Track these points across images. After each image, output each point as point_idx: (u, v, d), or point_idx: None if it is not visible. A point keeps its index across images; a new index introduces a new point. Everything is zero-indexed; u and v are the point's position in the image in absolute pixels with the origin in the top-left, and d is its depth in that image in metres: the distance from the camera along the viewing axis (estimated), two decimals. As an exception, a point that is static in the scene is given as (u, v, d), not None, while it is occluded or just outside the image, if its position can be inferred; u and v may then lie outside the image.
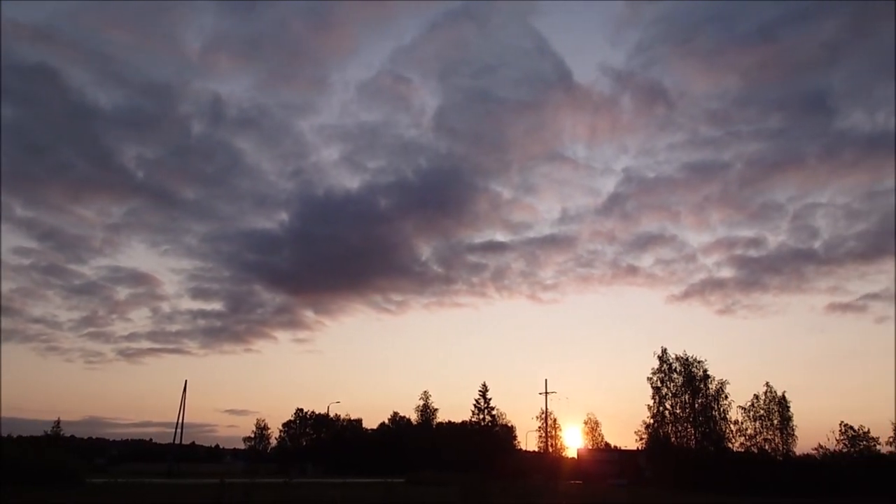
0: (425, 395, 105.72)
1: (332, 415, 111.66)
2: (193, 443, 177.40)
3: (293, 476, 46.08)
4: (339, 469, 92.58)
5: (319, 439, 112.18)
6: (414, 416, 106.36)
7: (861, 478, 55.53)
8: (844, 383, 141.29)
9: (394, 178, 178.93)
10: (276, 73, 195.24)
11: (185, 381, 75.39)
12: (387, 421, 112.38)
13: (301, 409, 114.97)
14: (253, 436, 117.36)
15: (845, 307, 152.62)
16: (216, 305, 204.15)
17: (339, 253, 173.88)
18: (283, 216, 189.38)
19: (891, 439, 60.28)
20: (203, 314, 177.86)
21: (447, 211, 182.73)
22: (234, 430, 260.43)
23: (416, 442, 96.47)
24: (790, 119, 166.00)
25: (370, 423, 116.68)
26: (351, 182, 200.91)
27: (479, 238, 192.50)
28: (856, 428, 61.89)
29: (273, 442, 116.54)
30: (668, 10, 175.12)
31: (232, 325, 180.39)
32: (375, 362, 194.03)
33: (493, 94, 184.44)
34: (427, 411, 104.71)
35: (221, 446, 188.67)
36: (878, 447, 60.76)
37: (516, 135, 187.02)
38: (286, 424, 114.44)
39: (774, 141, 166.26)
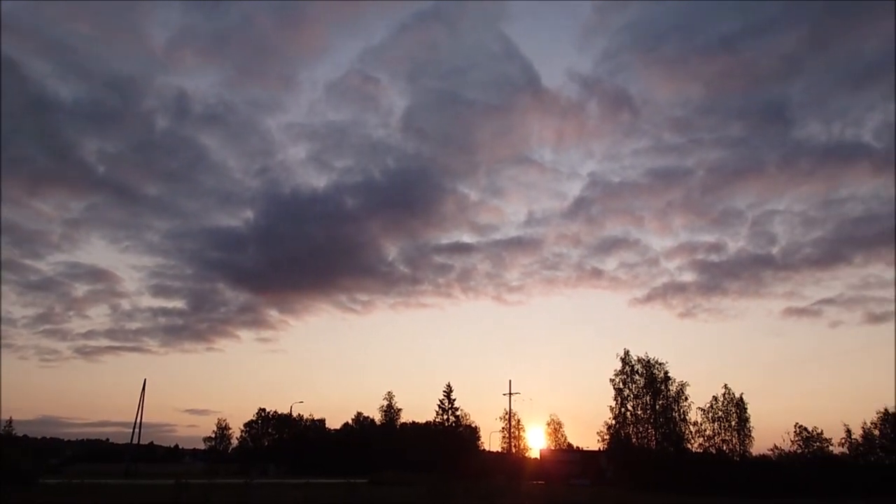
0: (389, 396, 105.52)
1: (294, 415, 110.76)
2: (152, 443, 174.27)
3: (254, 476, 45.51)
4: (301, 470, 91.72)
5: (282, 439, 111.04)
6: (378, 417, 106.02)
7: (814, 478, 56.97)
8: (799, 386, 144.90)
9: (361, 178, 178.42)
10: (243, 70, 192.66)
11: (145, 380, 74.10)
12: (350, 421, 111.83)
13: (263, 409, 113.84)
14: (214, 436, 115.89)
15: (801, 312, 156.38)
16: (178, 303, 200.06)
17: (304, 252, 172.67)
18: (249, 214, 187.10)
19: (843, 441, 62.20)
20: (164, 312, 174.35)
21: (414, 211, 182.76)
22: (194, 430, 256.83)
23: (380, 442, 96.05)
24: (750, 128, 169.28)
25: (334, 423, 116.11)
26: (318, 181, 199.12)
27: (446, 239, 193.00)
28: (810, 429, 63.63)
29: (234, 442, 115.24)
30: (633, 18, 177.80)
31: (194, 324, 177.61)
32: (340, 362, 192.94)
33: (462, 96, 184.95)
34: (391, 412, 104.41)
35: (181, 446, 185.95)
36: (830, 448, 62.59)
37: (484, 137, 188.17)
38: (248, 424, 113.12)
39: (735, 149, 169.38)
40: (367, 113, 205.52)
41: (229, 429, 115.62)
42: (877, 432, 61.04)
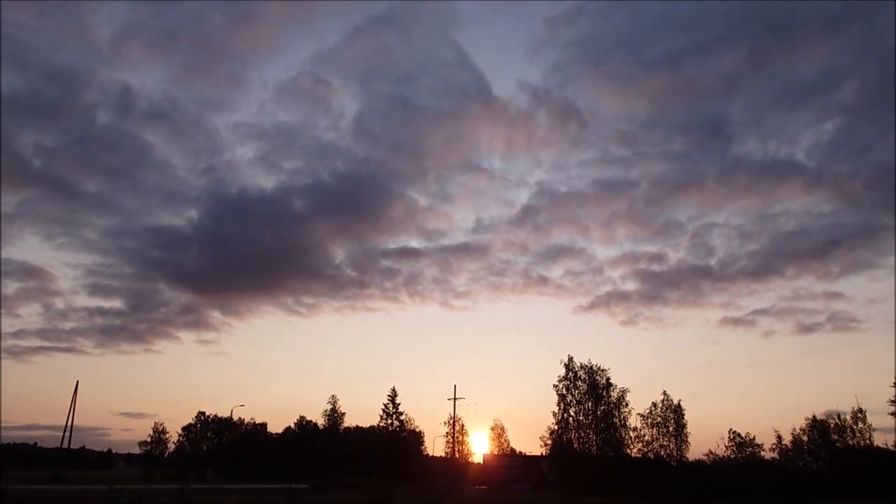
0: (333, 400, 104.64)
1: (235, 419, 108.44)
2: (83, 447, 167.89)
3: (191, 482, 44.33)
4: (241, 475, 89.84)
5: (221, 444, 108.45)
6: (321, 421, 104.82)
7: (747, 483, 58.84)
8: (734, 393, 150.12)
9: (310, 180, 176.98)
10: (191, 67, 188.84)
11: (77, 381, 71.49)
12: (293, 425, 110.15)
13: (203, 413, 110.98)
14: (150, 440, 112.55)
15: (736, 321, 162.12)
16: (115, 303, 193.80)
17: (250, 253, 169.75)
18: (193, 213, 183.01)
19: (774, 446, 64.55)
20: (101, 312, 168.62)
21: (363, 215, 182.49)
22: (129, 434, 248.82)
23: (323, 447, 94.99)
24: (692, 143, 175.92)
25: (276, 427, 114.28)
26: (266, 182, 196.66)
27: (394, 244, 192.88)
28: (743, 435, 65.81)
29: (171, 446, 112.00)
30: (582, 33, 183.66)
31: (132, 324, 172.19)
32: (284, 365, 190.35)
33: (414, 102, 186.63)
34: (335, 416, 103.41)
35: (115, 451, 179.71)
36: (762, 454, 64.87)
37: (435, 143, 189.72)
38: (186, 428, 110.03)
39: (677, 163, 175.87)
40: (318, 115, 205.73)
41: (166, 433, 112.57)
42: (805, 438, 63.51)
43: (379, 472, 72.71)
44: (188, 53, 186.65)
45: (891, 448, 59.21)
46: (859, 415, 60.74)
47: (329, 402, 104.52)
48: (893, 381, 57.11)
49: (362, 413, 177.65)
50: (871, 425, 60.29)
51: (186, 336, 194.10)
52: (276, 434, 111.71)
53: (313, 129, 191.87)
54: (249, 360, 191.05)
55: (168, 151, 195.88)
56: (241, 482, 69.09)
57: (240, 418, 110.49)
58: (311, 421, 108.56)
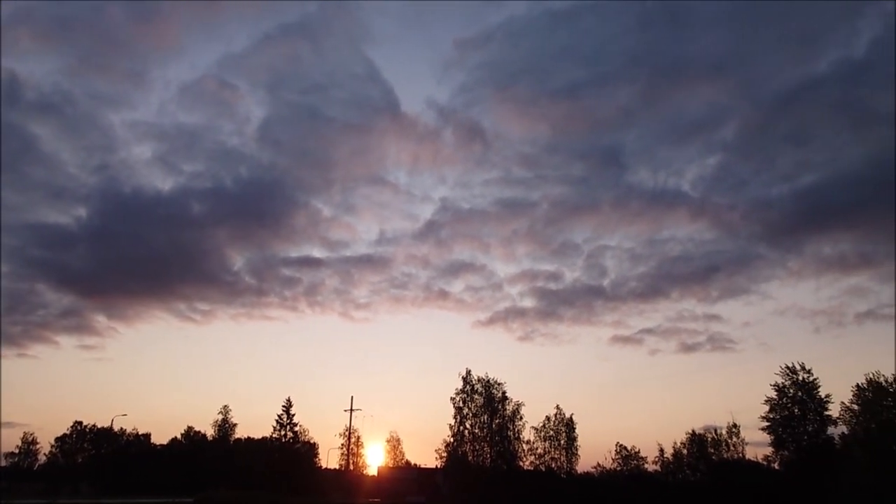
0: (225, 410, 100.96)
1: (117, 429, 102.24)
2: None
3: (62, 496, 41.35)
4: (121, 488, 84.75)
5: (99, 456, 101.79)
6: (211, 432, 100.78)
7: (631, 493, 61.40)
8: (622, 407, 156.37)
9: (211, 185, 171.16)
10: (88, 61, 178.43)
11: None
12: (180, 436, 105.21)
13: (80, 423, 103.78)
14: (17, 451, 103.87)
15: (626, 340, 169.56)
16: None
17: (141, 256, 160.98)
18: (81, 212, 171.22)
19: (656, 459, 67.81)
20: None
21: (264, 222, 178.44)
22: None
23: (212, 458, 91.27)
24: (590, 169, 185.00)
25: (161, 438, 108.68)
26: (163, 183, 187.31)
27: (296, 252, 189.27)
28: (629, 448, 68.82)
29: (42, 458, 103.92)
30: (490, 58, 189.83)
31: (5, 327, 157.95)
32: (174, 374, 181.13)
33: (322, 112, 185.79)
34: (226, 426, 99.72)
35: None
36: (646, 466, 68.03)
37: (341, 155, 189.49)
38: (60, 439, 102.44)
39: (576, 187, 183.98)
40: (223, 119, 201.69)
41: (37, 443, 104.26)
42: (685, 451, 67.16)
43: (271, 485, 70.55)
44: (84, 46, 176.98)
45: (760, 461, 63.60)
46: (733, 429, 65.00)
47: (220, 412, 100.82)
48: (765, 398, 61.52)
49: (256, 424, 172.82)
50: (744, 439, 64.73)
51: (66, 341, 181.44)
52: (161, 445, 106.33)
53: (217, 132, 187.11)
54: (136, 367, 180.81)
55: (57, 146, 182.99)
56: (120, 496, 65.11)
57: (121, 429, 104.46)
58: (199, 432, 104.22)
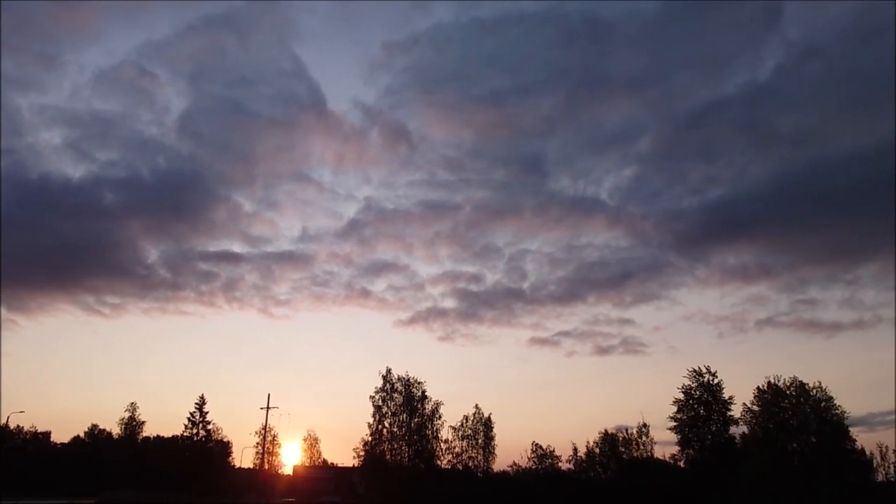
0: (132, 407, 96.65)
1: (12, 426, 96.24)
2: None
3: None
4: (15, 489, 79.73)
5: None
6: (117, 430, 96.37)
7: (546, 491, 62.78)
8: (539, 408, 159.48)
9: (125, 174, 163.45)
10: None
11: None
12: (83, 434, 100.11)
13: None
14: None
15: (543, 342, 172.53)
16: None
17: (46, 245, 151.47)
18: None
19: (570, 458, 69.62)
20: None
21: (182, 215, 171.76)
22: None
23: (117, 458, 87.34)
24: (512, 175, 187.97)
25: (63, 436, 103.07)
26: (74, 171, 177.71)
27: (214, 247, 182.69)
28: (544, 447, 70.31)
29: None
30: (417, 62, 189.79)
31: None
32: (79, 369, 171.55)
33: (246, 106, 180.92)
34: (133, 424, 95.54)
35: None
36: (560, 465, 69.68)
37: (265, 150, 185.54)
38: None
39: (498, 192, 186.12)
40: (141, 108, 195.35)
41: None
42: (597, 450, 69.16)
43: (182, 485, 68.19)
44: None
45: (667, 460, 66.40)
46: (643, 429, 67.53)
47: (127, 409, 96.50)
48: (673, 399, 64.31)
49: (168, 422, 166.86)
50: (652, 439, 67.37)
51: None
52: (62, 444, 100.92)
53: (134, 121, 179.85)
54: (37, 362, 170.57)
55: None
56: (13, 498, 61.29)
57: (18, 426, 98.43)
58: (104, 430, 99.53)
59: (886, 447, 78.40)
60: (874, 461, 67.75)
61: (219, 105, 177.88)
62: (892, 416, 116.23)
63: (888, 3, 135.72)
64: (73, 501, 44.14)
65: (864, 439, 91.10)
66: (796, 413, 59.46)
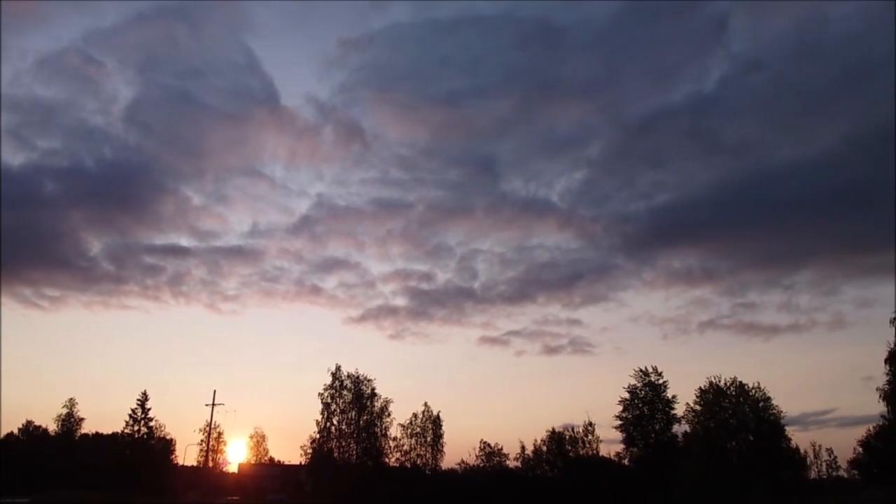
0: (70, 403, 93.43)
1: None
2: None
3: None
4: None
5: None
6: (53, 427, 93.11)
7: (494, 490, 63.27)
8: (488, 406, 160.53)
9: (68, 163, 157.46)
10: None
11: None
12: (16, 431, 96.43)
13: None
14: None
15: (493, 341, 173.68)
16: None
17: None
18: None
19: (518, 456, 70.35)
20: None
21: (127, 207, 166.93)
22: None
23: (54, 456, 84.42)
24: (465, 175, 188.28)
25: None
26: (13, 158, 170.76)
27: (160, 240, 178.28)
28: (492, 445, 70.88)
29: None
30: (372, 60, 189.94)
31: None
32: (13, 364, 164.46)
33: (197, 98, 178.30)
34: (70, 421, 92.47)
35: None
36: (507, 462, 70.35)
37: (216, 143, 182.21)
38: None
39: (451, 191, 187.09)
40: (86, 96, 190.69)
41: None
42: (545, 449, 70.06)
43: (121, 484, 66.33)
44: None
45: (612, 458, 67.76)
46: (589, 428, 68.63)
47: (65, 405, 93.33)
48: (619, 399, 65.66)
49: (109, 419, 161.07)
50: (598, 437, 68.54)
51: None
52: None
53: (78, 110, 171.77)
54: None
55: None
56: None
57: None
58: (39, 426, 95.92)
59: (819, 446, 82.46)
60: (808, 459, 70.68)
61: (168, 96, 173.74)
62: (825, 416, 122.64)
63: (828, 21, 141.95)
64: (6, 501, 42.43)
65: (799, 438, 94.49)
66: (736, 412, 61.24)
